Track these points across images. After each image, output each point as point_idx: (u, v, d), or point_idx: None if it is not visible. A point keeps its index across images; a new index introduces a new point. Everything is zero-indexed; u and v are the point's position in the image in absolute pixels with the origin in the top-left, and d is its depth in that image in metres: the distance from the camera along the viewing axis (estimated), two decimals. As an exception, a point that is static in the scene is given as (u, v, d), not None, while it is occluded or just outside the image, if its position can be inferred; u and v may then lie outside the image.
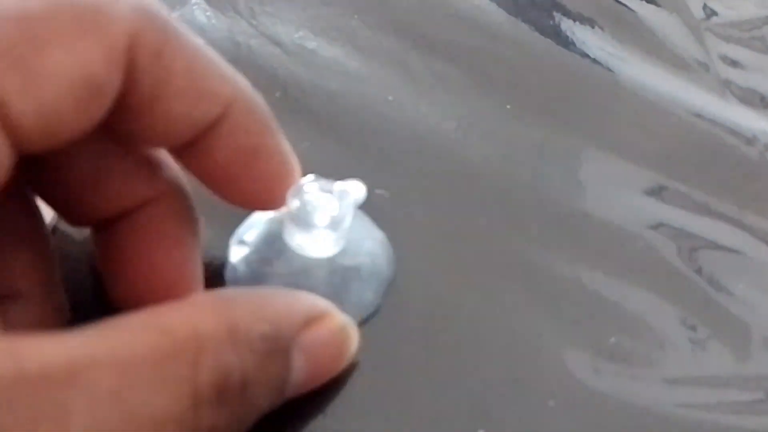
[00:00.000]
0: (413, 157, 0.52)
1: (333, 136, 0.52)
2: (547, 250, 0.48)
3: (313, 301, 0.36)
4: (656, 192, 0.52)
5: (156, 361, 0.26)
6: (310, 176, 0.41)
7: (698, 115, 0.56)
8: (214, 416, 0.27)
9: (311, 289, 0.42)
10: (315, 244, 0.42)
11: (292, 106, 0.53)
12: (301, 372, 0.33)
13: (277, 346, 0.31)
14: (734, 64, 0.60)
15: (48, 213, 0.42)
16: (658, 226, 0.50)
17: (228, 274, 0.44)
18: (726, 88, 0.58)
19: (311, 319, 0.34)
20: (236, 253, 0.45)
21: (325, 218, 0.41)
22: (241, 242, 0.45)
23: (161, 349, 0.26)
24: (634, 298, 0.47)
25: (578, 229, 0.49)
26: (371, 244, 0.46)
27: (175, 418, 0.26)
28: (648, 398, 0.44)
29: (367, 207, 0.49)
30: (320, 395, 0.39)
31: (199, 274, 0.39)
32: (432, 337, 0.44)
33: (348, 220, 0.41)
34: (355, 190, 0.42)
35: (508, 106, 0.54)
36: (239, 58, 0.55)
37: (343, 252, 0.43)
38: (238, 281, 0.44)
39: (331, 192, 0.41)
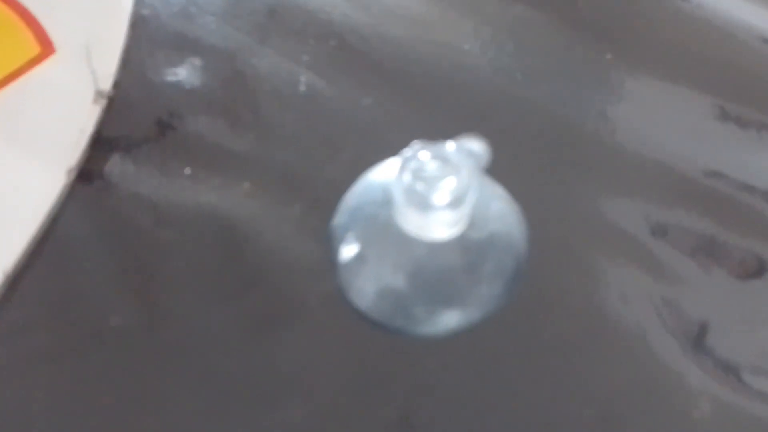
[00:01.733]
0: (497, 112, 0.43)
1: (399, 90, 0.43)
2: (670, 218, 0.39)
3: None
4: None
5: None
6: (417, 143, 0.33)
7: None
8: None
9: (443, 273, 0.35)
10: (438, 227, 0.33)
11: (351, 57, 0.44)
12: None
13: None
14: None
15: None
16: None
17: (341, 276, 0.36)
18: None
19: None
20: (347, 253, 0.36)
21: (446, 195, 0.32)
22: (349, 240, 0.36)
23: None
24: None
25: (699, 192, 0.40)
26: (498, 205, 0.37)
27: None
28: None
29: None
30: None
31: None
32: (541, 326, 0.36)
33: (474, 193, 0.32)
34: (477, 150, 0.33)
35: (609, 56, 0.45)
36: (283, 2, 0.46)
37: (471, 223, 0.34)
38: (357, 282, 0.36)
39: (448, 159, 0.32)
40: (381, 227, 0.35)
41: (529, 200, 0.38)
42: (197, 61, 0.43)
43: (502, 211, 0.37)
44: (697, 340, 0.36)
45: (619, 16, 0.47)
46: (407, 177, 0.32)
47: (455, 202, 0.32)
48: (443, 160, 0.32)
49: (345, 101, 0.43)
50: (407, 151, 0.33)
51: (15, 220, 0.37)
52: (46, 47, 0.43)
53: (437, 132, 0.41)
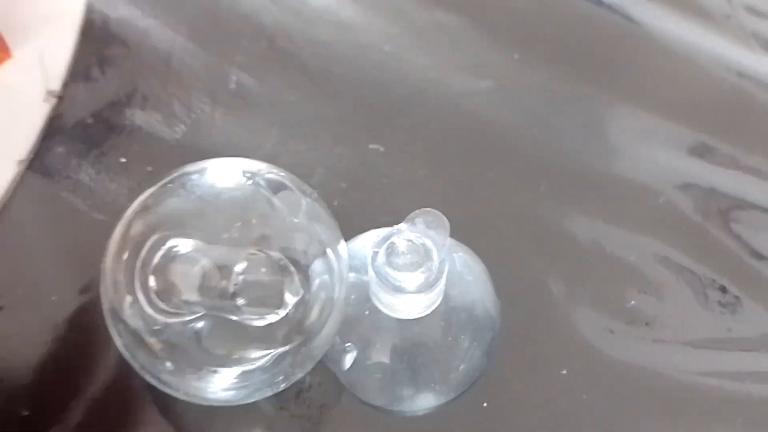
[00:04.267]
0: (412, 110, 0.47)
1: (324, 89, 0.48)
2: (560, 206, 0.44)
3: None
4: (681, 146, 0.47)
5: None
6: (401, 226, 0.33)
7: (724, 67, 0.51)
8: None
9: (422, 352, 0.36)
10: (412, 308, 0.35)
11: (280, 58, 0.49)
12: None
13: None
14: (760, 14, 0.55)
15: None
16: (682, 183, 0.45)
17: None
18: (752, 39, 0.53)
19: None
20: None
21: (417, 280, 0.33)
22: None
23: None
24: (655, 258, 0.42)
25: (594, 185, 0.45)
26: (468, 274, 0.39)
27: None
28: (670, 364, 0.39)
29: (359, 164, 0.45)
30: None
31: None
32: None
33: (444, 279, 0.33)
34: (442, 230, 0.34)
35: (516, 56, 0.49)
36: (220, 7, 0.50)
37: (446, 298, 0.36)
38: (339, 358, 0.37)
39: (420, 245, 0.33)
40: (359, 304, 0.36)
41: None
42: (138, 61, 0.48)
43: (474, 281, 0.39)
44: (566, 317, 0.41)
45: (525, 19, 0.52)
46: (380, 261, 0.33)
47: (428, 287, 0.33)
48: (417, 244, 0.33)
49: (271, 98, 0.47)
50: (377, 236, 0.34)
51: (-31, 205, 0.41)
52: (4, 52, 0.47)
53: (355, 125, 0.46)
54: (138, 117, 0.45)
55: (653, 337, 0.40)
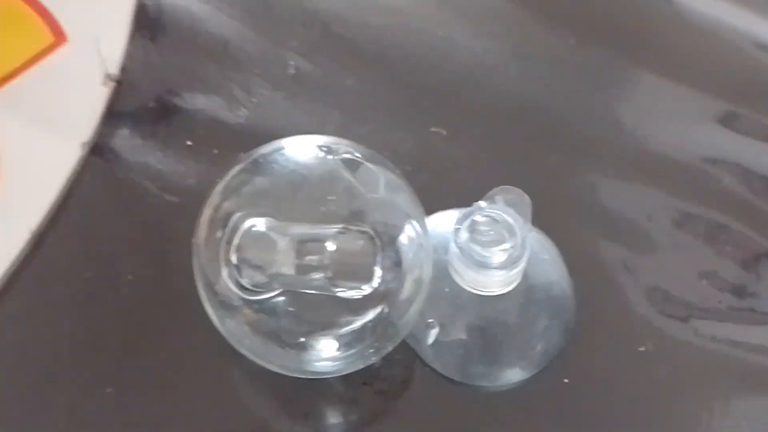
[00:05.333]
0: (470, 94, 0.47)
1: (381, 73, 0.48)
2: (626, 186, 0.44)
3: None
4: (729, 122, 0.47)
5: None
6: (481, 203, 0.34)
7: (761, 45, 0.51)
8: None
9: (502, 330, 0.37)
10: (495, 284, 0.35)
11: (336, 43, 0.48)
12: None
13: None
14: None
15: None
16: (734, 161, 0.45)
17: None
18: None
19: None
20: None
21: (502, 257, 0.34)
22: None
23: None
24: (723, 237, 0.42)
25: (658, 165, 0.45)
26: (545, 254, 0.39)
27: None
28: (749, 341, 0.39)
29: (422, 147, 0.45)
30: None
31: None
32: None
33: (527, 255, 0.34)
34: (523, 206, 0.35)
35: (572, 41, 0.49)
36: (275, -5, 0.50)
37: (525, 276, 0.36)
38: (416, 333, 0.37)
39: (503, 221, 0.34)
40: (437, 281, 0.36)
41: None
42: (194, 46, 0.47)
43: (550, 260, 0.39)
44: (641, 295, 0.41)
45: (579, 1, 0.52)
46: (463, 237, 0.34)
47: (511, 262, 0.34)
48: (498, 221, 0.34)
49: (329, 82, 0.47)
50: (462, 212, 0.34)
51: (38, 187, 0.41)
52: (59, 37, 0.47)
53: (413, 109, 0.46)
54: (199, 101, 0.45)
55: (730, 313, 0.40)
